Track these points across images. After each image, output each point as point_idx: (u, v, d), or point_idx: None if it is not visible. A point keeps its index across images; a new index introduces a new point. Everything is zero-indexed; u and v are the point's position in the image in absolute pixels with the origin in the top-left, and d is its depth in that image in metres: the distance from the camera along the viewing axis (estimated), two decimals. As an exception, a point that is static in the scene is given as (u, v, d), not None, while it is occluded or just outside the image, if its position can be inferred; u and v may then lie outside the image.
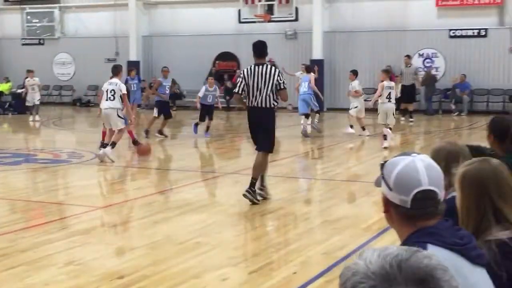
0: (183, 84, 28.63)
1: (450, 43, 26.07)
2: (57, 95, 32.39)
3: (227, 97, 28.19)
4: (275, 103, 9.41)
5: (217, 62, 29.53)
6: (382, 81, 16.01)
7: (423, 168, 2.21)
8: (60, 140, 19.45)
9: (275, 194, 10.26)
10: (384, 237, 7.30)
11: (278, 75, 9.35)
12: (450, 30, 25.99)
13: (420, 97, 26.07)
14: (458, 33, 25.92)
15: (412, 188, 2.19)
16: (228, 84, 28.23)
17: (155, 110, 18.25)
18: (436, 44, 26.30)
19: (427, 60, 26.47)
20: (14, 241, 7.26)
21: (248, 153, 15.94)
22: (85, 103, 31.63)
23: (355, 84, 18.74)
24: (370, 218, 8.48)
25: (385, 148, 15.16)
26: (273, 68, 9.52)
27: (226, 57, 29.48)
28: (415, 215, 2.22)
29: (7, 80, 31.13)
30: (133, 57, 30.70)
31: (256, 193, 9.29)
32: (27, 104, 24.93)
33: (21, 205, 9.55)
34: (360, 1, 27.31)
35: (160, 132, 17.97)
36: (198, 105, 18.37)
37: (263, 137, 9.42)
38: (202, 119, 18.38)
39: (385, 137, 15.50)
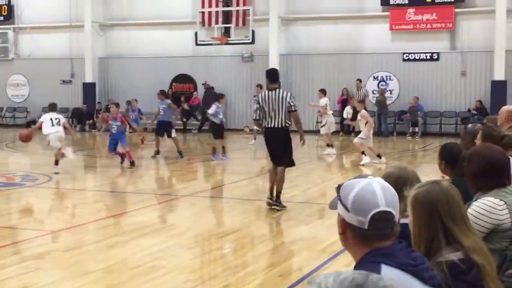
0: (140, 106, 28.46)
1: (404, 66, 26.55)
2: (10, 117, 31.90)
3: (184, 119, 28.16)
4: (289, 123, 10.48)
5: (174, 84, 29.50)
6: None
7: (380, 190, 2.26)
8: (13, 163, 19.13)
9: (232, 216, 10.26)
10: (339, 259, 7.35)
11: (290, 98, 10.43)
12: (404, 53, 26.49)
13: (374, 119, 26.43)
14: (411, 56, 26.43)
15: (369, 209, 2.23)
16: (185, 106, 28.20)
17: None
18: (390, 67, 26.75)
19: (382, 83, 26.89)
20: (-35, 266, 7.09)
21: (204, 175, 15.94)
22: (39, 125, 31.15)
23: (324, 102, 19.45)
24: (326, 240, 8.53)
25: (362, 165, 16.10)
26: (284, 92, 10.54)
27: (183, 79, 29.47)
28: (371, 236, 2.25)
29: (-41, 101, 30.59)
30: (89, 79, 30.47)
31: (281, 202, 10.60)
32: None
33: (-28, 229, 9.34)
34: (315, 25, 27.65)
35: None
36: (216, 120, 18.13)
37: (282, 154, 10.57)
38: (220, 137, 17.96)
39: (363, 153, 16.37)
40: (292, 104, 10.38)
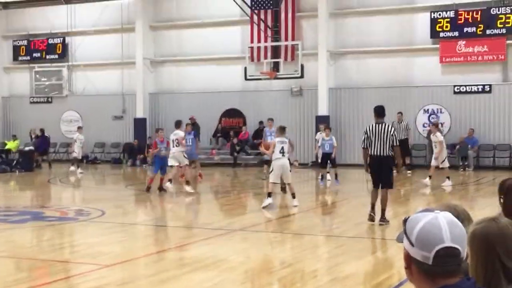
0: (189, 141, 28.78)
1: (455, 99, 26.24)
2: (64, 152, 32.52)
3: (234, 154, 28.28)
4: (391, 153, 12.37)
5: (223, 118, 29.73)
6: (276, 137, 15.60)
7: (446, 225, 2.21)
8: (67, 198, 19.45)
9: (284, 251, 10.19)
10: (394, 295, 7.21)
11: (394, 133, 12.43)
12: (455, 86, 26.20)
13: (425, 152, 26.17)
14: (462, 89, 26.12)
15: (434, 244, 2.19)
16: (235, 141, 28.35)
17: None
18: (440, 100, 26.47)
19: (432, 116, 26.60)
20: (21, 300, 7.19)
21: (254, 209, 15.92)
22: (92, 160, 31.73)
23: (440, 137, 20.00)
24: (379, 275, 8.39)
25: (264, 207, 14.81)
26: (389, 126, 12.53)
27: (232, 114, 29.69)
28: (436, 272, 2.20)
29: (14, 138, 31.39)
30: (140, 114, 30.96)
31: (385, 220, 12.26)
32: (73, 155, 27.06)
33: (27, 263, 9.49)
34: (365, 58, 27.63)
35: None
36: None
37: (386, 178, 12.37)
38: (324, 166, 20.42)
39: (293, 195, 15.17)
40: (394, 137, 12.35)
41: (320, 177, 20.81)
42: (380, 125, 12.43)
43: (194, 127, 28.03)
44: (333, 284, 8.01)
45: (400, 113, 25.35)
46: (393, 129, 12.54)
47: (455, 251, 2.20)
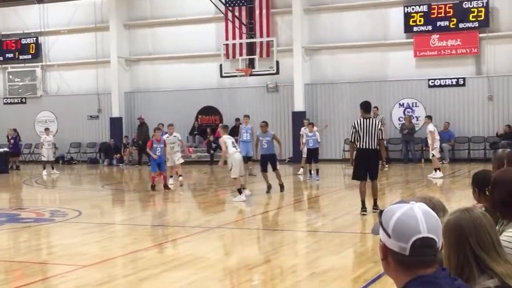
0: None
1: (430, 92, 26.45)
2: (39, 153, 32.16)
3: (211, 151, 28.25)
4: (378, 146, 12.89)
5: (199, 116, 29.68)
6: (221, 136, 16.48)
7: (421, 216, 2.22)
8: (43, 199, 19.29)
9: (261, 247, 10.21)
10: (372, 288, 7.26)
11: (380, 127, 12.92)
12: (429, 79, 26.41)
13: (400, 146, 26.38)
14: (437, 82, 26.34)
15: (411, 235, 2.20)
16: (211, 138, 28.32)
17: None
18: (415, 94, 26.67)
19: (407, 110, 26.79)
20: (-3, 303, 7.12)
21: (231, 207, 15.92)
22: (68, 160, 31.51)
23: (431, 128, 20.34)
24: (358, 269, 8.44)
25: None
26: (376, 120, 13.13)
27: (208, 111, 29.65)
28: (413, 262, 2.21)
29: (-12, 139, 31.04)
30: (115, 114, 30.80)
31: (378, 208, 12.54)
32: (42, 159, 26.07)
33: (4, 266, 9.39)
34: (339, 53, 27.74)
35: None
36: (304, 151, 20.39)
37: (374, 169, 12.95)
38: (309, 161, 20.59)
39: (239, 191, 15.65)
40: (381, 133, 12.91)
41: (308, 172, 20.91)
42: (368, 119, 12.93)
43: (143, 127, 28.39)
44: (312, 279, 8.03)
45: (376, 107, 25.43)
46: (380, 123, 13.07)
47: (431, 241, 2.22)
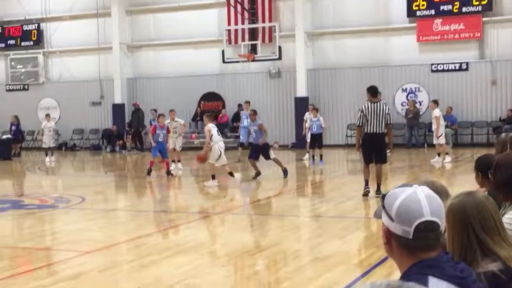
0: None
1: (433, 77, 26.37)
2: (41, 140, 32.19)
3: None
4: (385, 130, 13.01)
5: (202, 102, 29.64)
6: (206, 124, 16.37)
7: (424, 199, 2.22)
8: (46, 185, 19.33)
9: (264, 233, 10.23)
10: (375, 272, 7.27)
11: (388, 113, 13.00)
12: (432, 64, 26.32)
13: (403, 131, 26.35)
14: (440, 67, 26.25)
15: (414, 218, 2.19)
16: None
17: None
18: (418, 79, 26.59)
19: (410, 95, 26.72)
20: (2, 289, 7.16)
21: (234, 192, 15.94)
22: (70, 147, 31.54)
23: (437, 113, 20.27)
24: (361, 253, 8.45)
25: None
26: (384, 104, 13.22)
27: (211, 97, 29.61)
28: (416, 246, 2.21)
29: (-9, 126, 31.05)
30: (118, 100, 30.77)
31: (381, 193, 11.98)
32: (43, 146, 25.81)
33: (8, 252, 9.43)
34: (342, 39, 27.63)
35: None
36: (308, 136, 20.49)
37: (381, 154, 13.04)
38: (312, 146, 20.46)
39: (213, 176, 15.86)
40: (389, 118, 13.06)
41: (311, 157, 20.82)
42: (375, 104, 12.99)
43: (139, 113, 28.53)
44: (315, 264, 8.05)
45: (379, 92, 25.38)
46: (387, 108, 13.20)
47: (434, 224, 2.21)
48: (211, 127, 16.07)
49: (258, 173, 16.99)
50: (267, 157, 17.19)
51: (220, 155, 15.89)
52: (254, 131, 17.48)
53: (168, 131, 18.82)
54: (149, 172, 18.40)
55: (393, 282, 1.37)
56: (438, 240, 2.23)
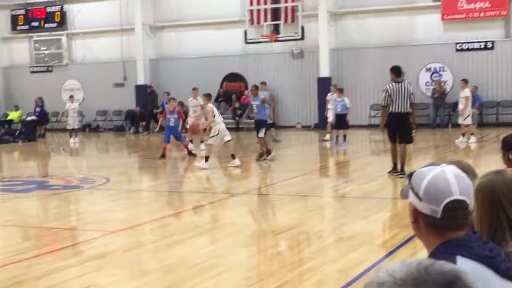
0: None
1: (457, 56, 26.08)
2: (65, 122, 32.44)
3: (236, 118, 28.24)
4: (409, 110, 13.10)
5: (224, 83, 29.62)
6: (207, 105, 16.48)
7: (453, 178, 2.19)
8: (71, 166, 19.50)
9: (288, 213, 10.24)
10: (399, 253, 7.25)
11: (412, 92, 13.11)
12: (457, 43, 26.01)
13: (427, 111, 26.13)
14: (464, 46, 25.94)
15: (443, 198, 2.17)
16: (236, 105, 28.29)
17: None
18: (443, 58, 26.31)
19: (435, 74, 26.46)
20: (29, 268, 7.25)
21: (257, 173, 15.95)
22: (94, 128, 31.75)
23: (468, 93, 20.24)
24: (385, 234, 8.43)
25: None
26: (409, 84, 13.29)
27: (233, 78, 29.57)
28: (445, 225, 2.19)
29: (16, 108, 31.37)
30: (141, 81, 30.85)
31: (405, 173, 12.22)
32: (67, 127, 26.13)
33: (34, 232, 9.55)
34: (365, 18, 27.39)
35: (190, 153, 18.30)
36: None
37: (405, 134, 13.09)
38: (336, 127, 20.45)
39: (207, 158, 15.83)
40: (414, 97, 13.16)
41: (335, 138, 20.66)
42: (400, 84, 13.09)
43: (153, 95, 28.60)
44: (338, 244, 8.04)
45: (402, 72, 25.18)
46: (412, 88, 13.30)
47: (463, 203, 2.18)
48: (213, 107, 16.01)
49: (268, 152, 16.84)
50: (257, 134, 16.95)
51: (216, 135, 15.76)
52: (256, 106, 17.17)
53: (180, 115, 18.21)
54: (162, 156, 17.79)
55: (424, 260, 1.36)
56: (467, 219, 2.21)
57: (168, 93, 22.80)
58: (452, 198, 2.16)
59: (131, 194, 13.18)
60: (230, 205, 11.54)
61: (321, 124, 25.86)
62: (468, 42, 25.85)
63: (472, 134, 20.02)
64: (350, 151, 19.60)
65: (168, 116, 17.93)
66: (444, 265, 1.35)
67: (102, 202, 12.03)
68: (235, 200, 11.80)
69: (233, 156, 15.90)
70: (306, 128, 27.66)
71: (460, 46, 25.98)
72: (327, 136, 21.93)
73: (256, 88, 17.77)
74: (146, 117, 29.79)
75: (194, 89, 20.48)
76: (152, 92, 29.48)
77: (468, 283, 1.32)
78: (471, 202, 2.21)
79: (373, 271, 1.58)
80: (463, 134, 19.96)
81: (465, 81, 20.62)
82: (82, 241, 8.86)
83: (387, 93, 12.97)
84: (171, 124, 17.81)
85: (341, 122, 20.23)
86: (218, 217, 10.56)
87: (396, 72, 13.42)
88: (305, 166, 16.43)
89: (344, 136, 20.42)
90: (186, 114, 20.06)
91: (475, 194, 2.87)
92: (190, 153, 18.20)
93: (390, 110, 13.01)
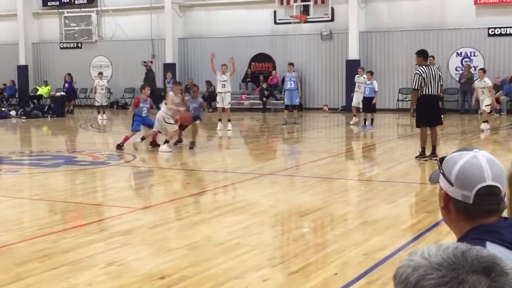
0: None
1: (489, 41, 25.71)
2: (93, 98, 32.67)
3: (264, 99, 28.20)
4: (441, 93, 13.86)
5: (252, 63, 29.56)
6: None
7: (486, 163, 2.16)
8: (98, 143, 19.65)
9: (313, 195, 10.23)
10: (426, 237, 7.21)
11: (441, 75, 13.59)
12: (489, 28, 25.63)
13: (457, 97, 25.85)
14: (497, 31, 25.55)
15: (475, 183, 2.14)
16: (264, 85, 28.24)
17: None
18: (474, 43, 25.96)
19: (465, 59, 26.13)
20: (56, 242, 7.34)
21: (283, 154, 15.93)
22: (122, 105, 31.93)
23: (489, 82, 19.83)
24: (410, 219, 8.38)
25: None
26: (439, 68, 14.02)
27: (261, 58, 29.49)
28: (476, 211, 2.16)
29: (46, 83, 31.65)
30: (169, 60, 30.91)
31: (436, 156, 12.55)
32: (95, 104, 26.58)
33: (61, 206, 9.65)
34: (396, 0, 27.09)
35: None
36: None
37: (437, 116, 13.36)
38: (364, 110, 20.50)
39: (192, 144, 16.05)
40: (443, 80, 13.52)
41: (363, 121, 20.57)
42: (429, 67, 13.40)
43: (149, 74, 28.61)
44: (363, 228, 8.02)
45: (432, 56, 24.85)
46: (441, 71, 13.93)
47: (495, 189, 2.15)
48: (173, 96, 16.31)
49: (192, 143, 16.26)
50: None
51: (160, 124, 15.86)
52: (193, 108, 16.48)
53: (151, 107, 17.25)
54: (119, 147, 16.01)
55: (461, 245, 1.34)
56: (498, 206, 2.18)
57: (171, 74, 22.59)
58: (484, 183, 2.13)
59: (158, 171, 13.26)
60: (256, 186, 11.55)
61: (347, 107, 25.72)
62: (500, 27, 25.46)
63: (486, 121, 19.72)
64: (377, 134, 19.48)
65: (141, 104, 16.38)
66: (481, 250, 1.33)
67: (129, 179, 12.11)
68: (261, 180, 11.81)
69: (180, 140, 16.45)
70: (333, 110, 27.55)
71: (492, 31, 25.60)
72: (353, 120, 21.80)
73: (197, 89, 17.67)
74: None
75: (223, 65, 20.96)
76: (149, 71, 29.53)
77: (506, 269, 1.30)
78: (503, 188, 2.18)
79: (404, 255, 1.56)
80: (487, 121, 19.68)
81: (483, 71, 20.25)
82: (109, 216, 8.95)
83: (420, 76, 13.10)
84: (144, 114, 16.40)
85: (368, 105, 20.11)
86: (243, 197, 10.58)
87: (424, 55, 13.63)
88: (332, 148, 16.38)
89: (372, 120, 20.31)
90: (212, 93, 19.90)
91: (509, 180, 2.83)
92: (154, 143, 16.57)
93: (423, 92, 13.18)
